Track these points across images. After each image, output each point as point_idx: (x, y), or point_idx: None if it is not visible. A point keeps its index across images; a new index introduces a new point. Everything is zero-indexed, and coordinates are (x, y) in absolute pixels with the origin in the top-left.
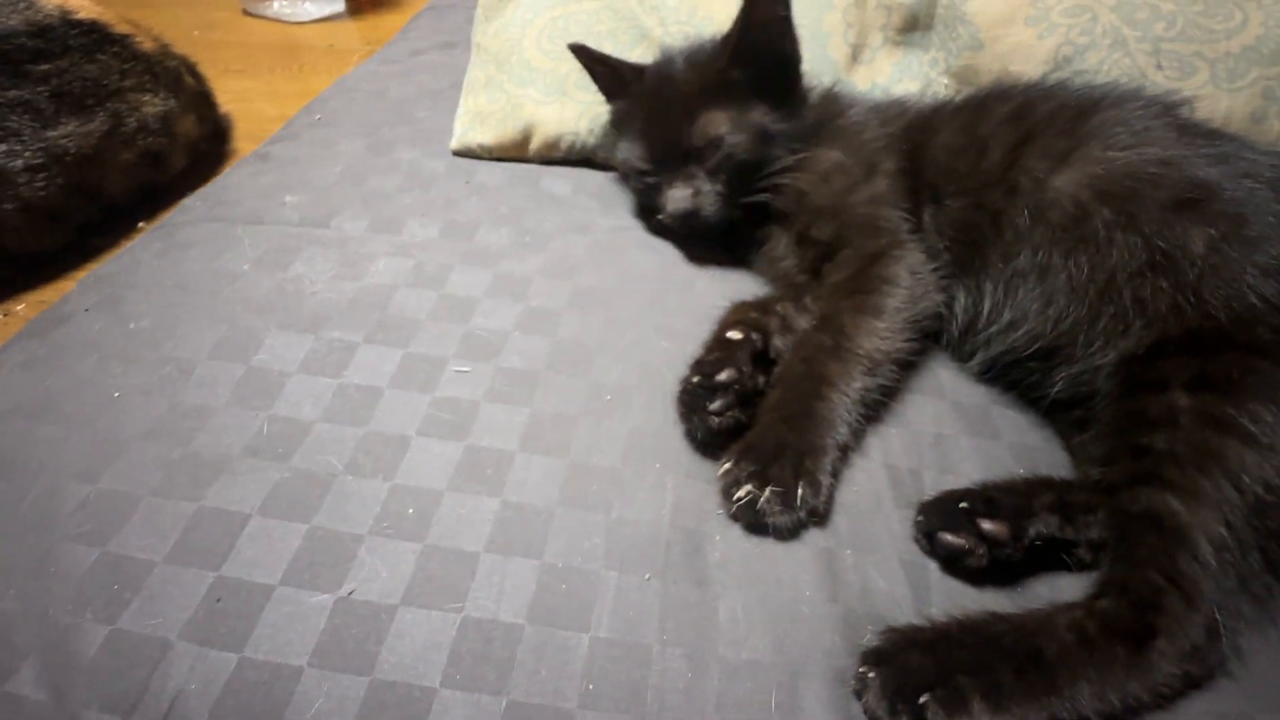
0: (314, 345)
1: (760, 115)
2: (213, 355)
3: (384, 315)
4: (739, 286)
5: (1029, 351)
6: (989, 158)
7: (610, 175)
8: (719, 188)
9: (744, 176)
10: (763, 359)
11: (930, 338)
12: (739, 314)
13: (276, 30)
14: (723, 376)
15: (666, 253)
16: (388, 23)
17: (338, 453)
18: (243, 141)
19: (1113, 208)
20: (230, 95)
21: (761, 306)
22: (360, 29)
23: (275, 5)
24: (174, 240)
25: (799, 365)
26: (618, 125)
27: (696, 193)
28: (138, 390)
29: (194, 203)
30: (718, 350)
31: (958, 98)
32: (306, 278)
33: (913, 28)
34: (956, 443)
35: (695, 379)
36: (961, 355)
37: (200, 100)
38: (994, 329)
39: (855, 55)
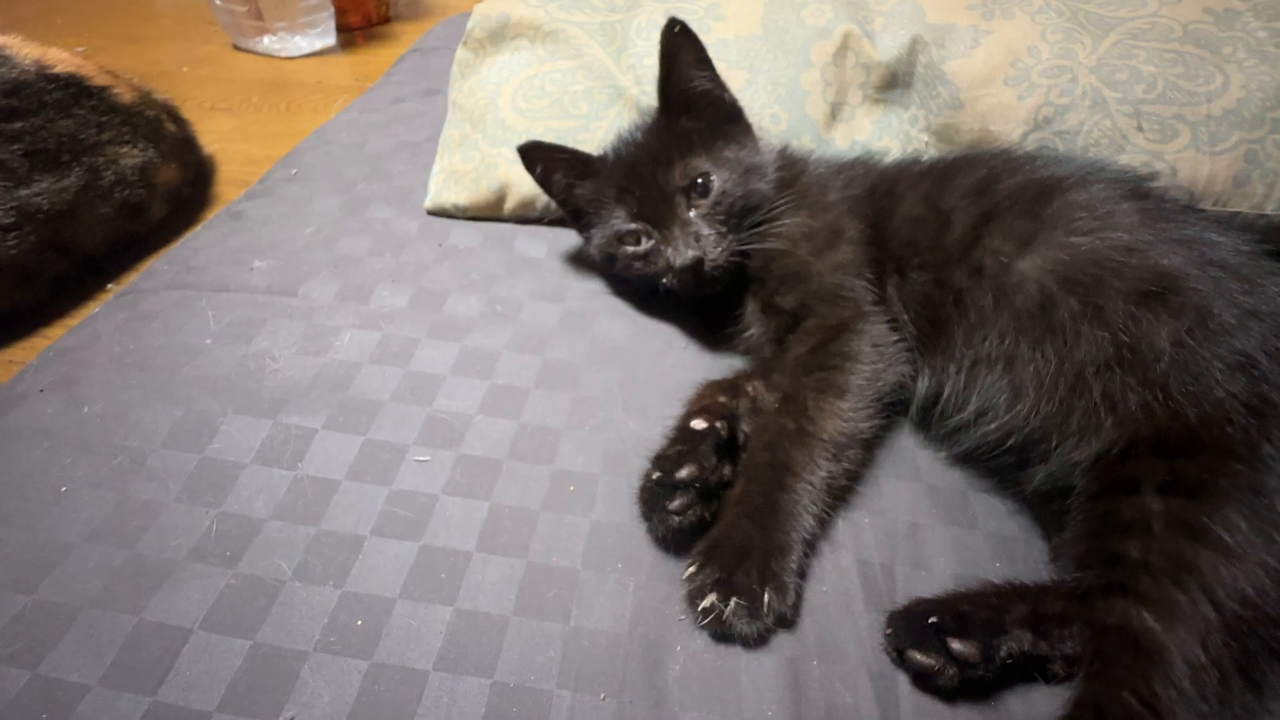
0: (271, 432)
1: (733, 152)
2: (166, 444)
3: (346, 397)
4: (710, 359)
5: (1003, 446)
6: (952, 233)
7: None
8: (719, 228)
9: (739, 215)
10: (730, 445)
11: (901, 412)
12: (706, 398)
13: (266, 65)
14: (683, 474)
15: (639, 321)
16: (379, 57)
17: (287, 555)
18: (225, 186)
19: (1079, 298)
20: (215, 135)
21: (731, 387)
22: (351, 64)
23: (265, 40)
24: (136, 311)
25: (762, 453)
26: (588, 211)
27: (698, 238)
28: (86, 483)
29: (161, 266)
30: (680, 443)
31: (922, 160)
32: (269, 354)
33: (892, 86)
34: (932, 532)
35: (655, 475)
36: (933, 438)
37: (182, 147)
38: (962, 417)
39: (834, 113)
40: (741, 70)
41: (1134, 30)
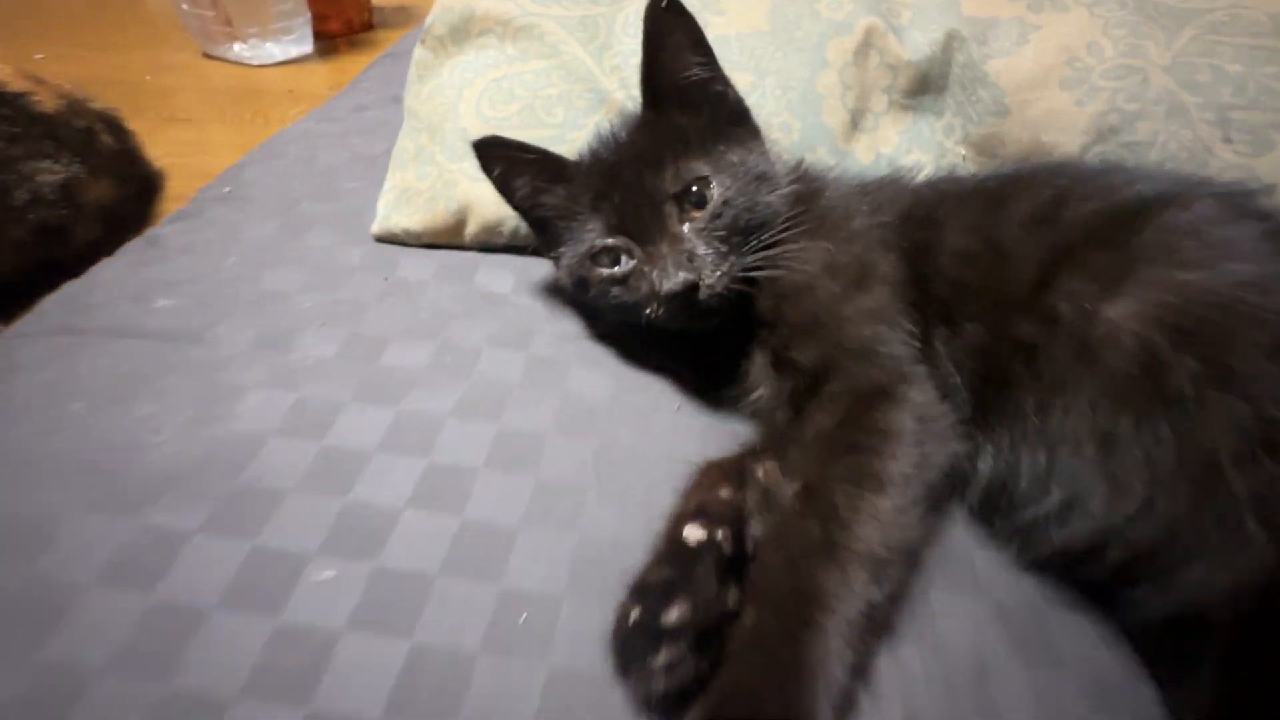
0: (130, 537)
1: (738, 155)
2: None
3: (237, 484)
4: (709, 421)
5: (1099, 556)
6: (1014, 272)
7: None
8: (718, 247)
9: (744, 233)
10: (737, 557)
11: (953, 494)
12: (703, 489)
13: (236, 74)
14: (671, 618)
15: (622, 374)
16: (358, 66)
17: None
18: (171, 203)
19: (1198, 356)
20: (169, 147)
21: (736, 472)
22: (327, 72)
23: (236, 48)
24: (9, 362)
25: (779, 574)
26: (557, 224)
27: (691, 257)
28: None
29: (50, 306)
30: (668, 563)
31: (965, 179)
32: (151, 423)
33: (923, 90)
34: (1005, 676)
35: (635, 612)
36: (997, 535)
37: (121, 161)
38: (1039, 510)
39: (855, 121)
40: (746, 72)
41: (1213, 23)
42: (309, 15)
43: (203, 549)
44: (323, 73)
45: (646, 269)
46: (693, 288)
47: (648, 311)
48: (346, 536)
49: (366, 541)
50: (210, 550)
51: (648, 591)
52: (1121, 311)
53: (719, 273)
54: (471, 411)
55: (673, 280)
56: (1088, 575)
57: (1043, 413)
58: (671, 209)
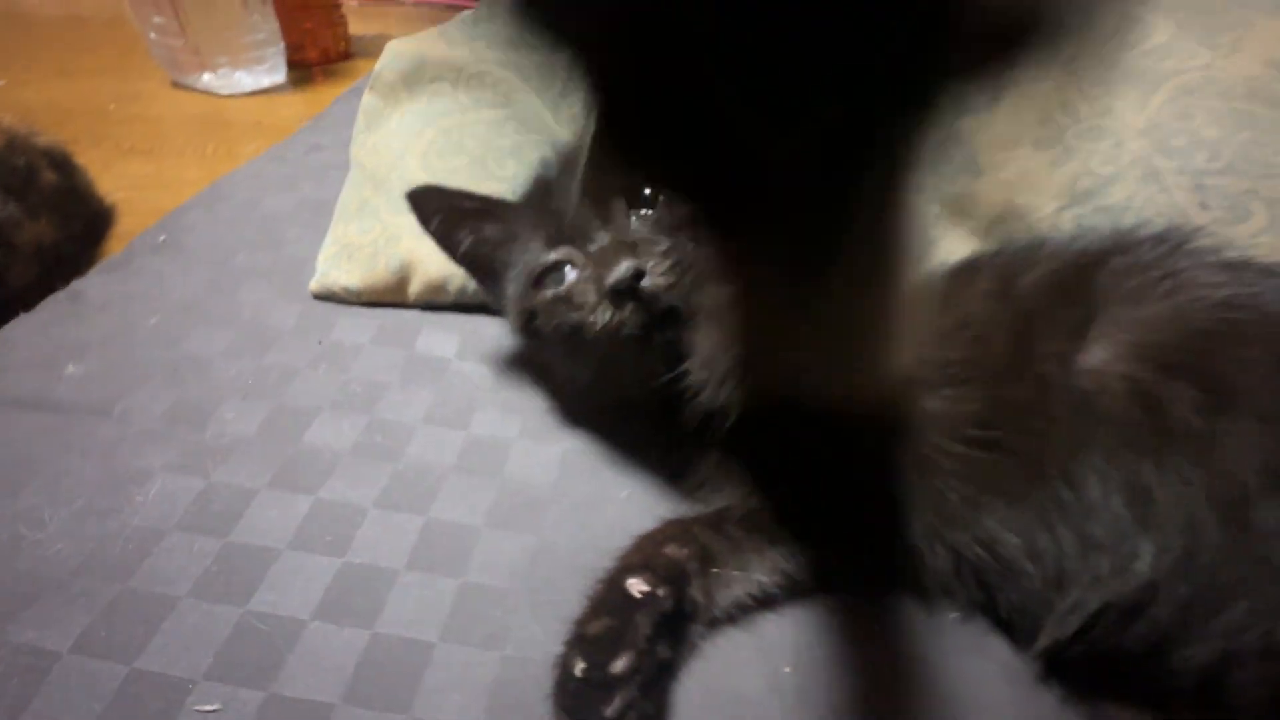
0: None
1: None
2: None
3: (123, 590)
4: (662, 513)
5: (1141, 616)
6: (992, 347)
7: None
8: (669, 238)
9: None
10: (676, 616)
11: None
12: (655, 542)
13: (204, 104)
14: (618, 668)
15: (571, 453)
16: (330, 96)
17: None
18: (118, 242)
19: (1194, 383)
20: (125, 181)
21: (685, 531)
22: (299, 103)
23: (205, 77)
24: None
25: None
26: (499, 260)
27: (635, 246)
28: None
29: None
30: (607, 613)
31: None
32: (34, 515)
33: None
34: None
35: (580, 667)
36: (1016, 628)
37: (65, 198)
38: (1066, 601)
39: None
40: None
41: (1186, 85)
42: (283, 44)
43: (70, 670)
44: (294, 104)
45: (589, 271)
46: (638, 276)
47: (591, 320)
48: (239, 656)
49: (261, 663)
50: (79, 671)
51: (589, 642)
52: (1100, 357)
53: (668, 263)
54: (398, 501)
55: (617, 271)
56: (1130, 645)
57: (1067, 480)
58: (619, 204)
